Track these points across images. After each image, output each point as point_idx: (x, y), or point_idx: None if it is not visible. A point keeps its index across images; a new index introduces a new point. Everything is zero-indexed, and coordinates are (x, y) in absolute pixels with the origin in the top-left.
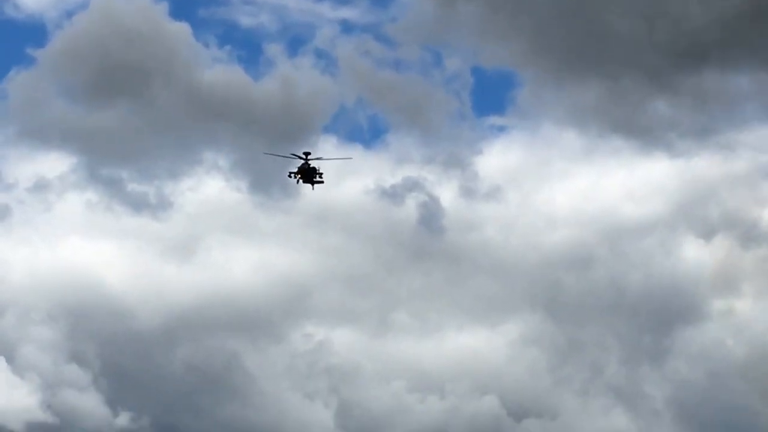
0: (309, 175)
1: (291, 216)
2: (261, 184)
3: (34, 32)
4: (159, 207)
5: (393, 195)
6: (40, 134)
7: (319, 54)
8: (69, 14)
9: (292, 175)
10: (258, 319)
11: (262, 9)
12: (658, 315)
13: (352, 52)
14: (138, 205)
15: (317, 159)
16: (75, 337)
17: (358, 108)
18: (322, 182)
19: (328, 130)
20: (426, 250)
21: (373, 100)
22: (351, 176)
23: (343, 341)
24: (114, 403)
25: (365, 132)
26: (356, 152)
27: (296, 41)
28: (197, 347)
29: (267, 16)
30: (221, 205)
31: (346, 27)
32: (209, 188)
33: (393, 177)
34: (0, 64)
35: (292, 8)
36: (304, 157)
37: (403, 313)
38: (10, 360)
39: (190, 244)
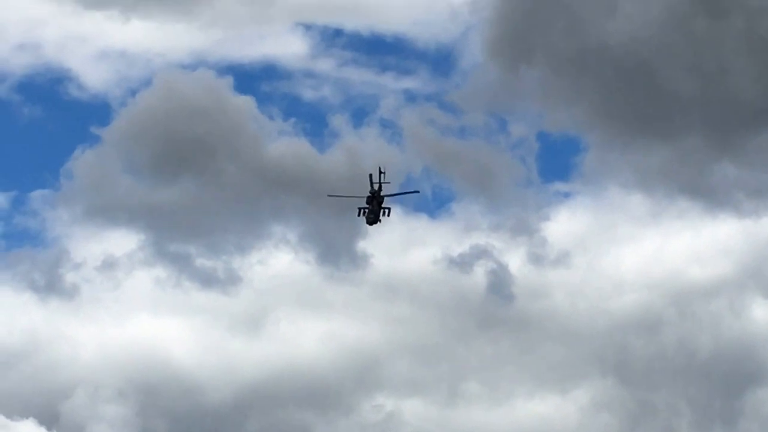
0: (377, 205)
1: (359, 287)
2: (329, 255)
3: (99, 111)
4: (228, 282)
5: (461, 263)
6: (107, 212)
7: (384, 124)
8: (132, 92)
9: (361, 211)
10: (328, 392)
11: (324, 82)
12: (728, 377)
13: (416, 120)
14: (207, 280)
15: (383, 194)
16: (145, 414)
17: (424, 177)
18: (387, 216)
19: (395, 200)
20: (495, 318)
21: (438, 169)
22: (418, 246)
23: (413, 411)
24: None
25: (431, 201)
26: (422, 222)
27: (360, 112)
28: (268, 421)
29: (330, 89)
30: (290, 278)
31: (410, 96)
32: (278, 261)
33: (460, 245)
34: (65, 144)
35: (355, 80)
36: (370, 193)
37: (473, 382)
38: None
39: (259, 318)
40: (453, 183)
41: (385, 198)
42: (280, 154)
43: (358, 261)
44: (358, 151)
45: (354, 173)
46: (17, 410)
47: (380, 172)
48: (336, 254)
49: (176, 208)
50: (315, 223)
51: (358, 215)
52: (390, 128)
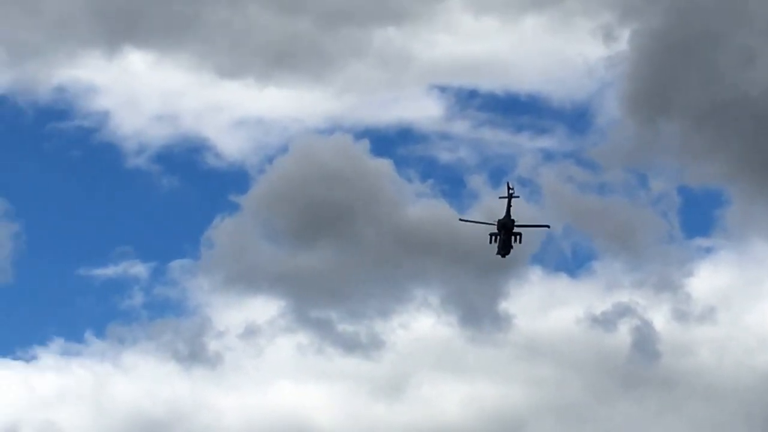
0: (508, 231)
1: (501, 349)
2: (471, 317)
3: (237, 179)
4: (370, 346)
5: (604, 322)
6: (248, 279)
7: (523, 182)
8: (270, 159)
9: (492, 237)
10: None
11: (460, 144)
12: None
13: (555, 178)
14: (349, 345)
15: (514, 223)
16: None
17: (565, 235)
18: (519, 243)
19: (536, 259)
20: (639, 377)
21: (578, 226)
22: (560, 306)
23: None
24: None
25: (571, 260)
26: (563, 281)
27: (498, 172)
28: None
29: (466, 150)
30: (432, 342)
31: (547, 155)
32: (420, 325)
33: (603, 304)
34: (204, 213)
35: (491, 141)
36: (500, 222)
37: None
38: None
39: (400, 382)
40: (593, 240)
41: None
42: (419, 216)
43: (500, 322)
44: (498, 211)
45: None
46: None
47: (509, 188)
48: (478, 316)
49: (316, 274)
50: (456, 285)
51: (490, 242)
52: (528, 186)
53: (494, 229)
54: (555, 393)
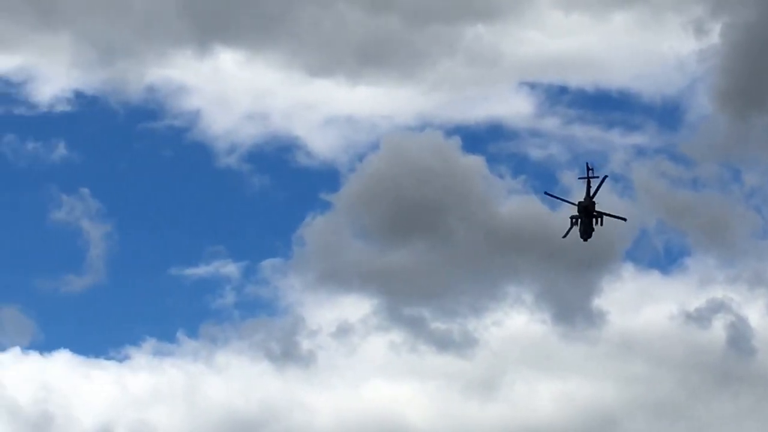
0: (589, 214)
1: (594, 346)
2: (564, 315)
3: (327, 177)
4: (463, 344)
5: (698, 318)
6: (340, 278)
7: (615, 178)
8: (360, 157)
9: (573, 220)
10: None
11: (551, 140)
12: None
13: (647, 174)
14: (442, 343)
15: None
16: None
17: (658, 231)
18: (601, 225)
19: (629, 255)
20: (734, 374)
21: (672, 221)
22: (653, 302)
23: None
24: None
25: (663, 256)
26: (655, 278)
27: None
28: None
29: (556, 147)
30: (525, 339)
31: (638, 151)
32: (513, 322)
33: (697, 300)
34: (296, 212)
35: (581, 138)
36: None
37: None
38: None
39: (493, 380)
40: (687, 236)
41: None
42: (511, 212)
43: (593, 319)
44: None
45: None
46: None
47: (588, 169)
48: (571, 313)
49: (409, 271)
50: (549, 282)
51: (571, 226)
52: (621, 182)
53: (575, 212)
54: (648, 390)
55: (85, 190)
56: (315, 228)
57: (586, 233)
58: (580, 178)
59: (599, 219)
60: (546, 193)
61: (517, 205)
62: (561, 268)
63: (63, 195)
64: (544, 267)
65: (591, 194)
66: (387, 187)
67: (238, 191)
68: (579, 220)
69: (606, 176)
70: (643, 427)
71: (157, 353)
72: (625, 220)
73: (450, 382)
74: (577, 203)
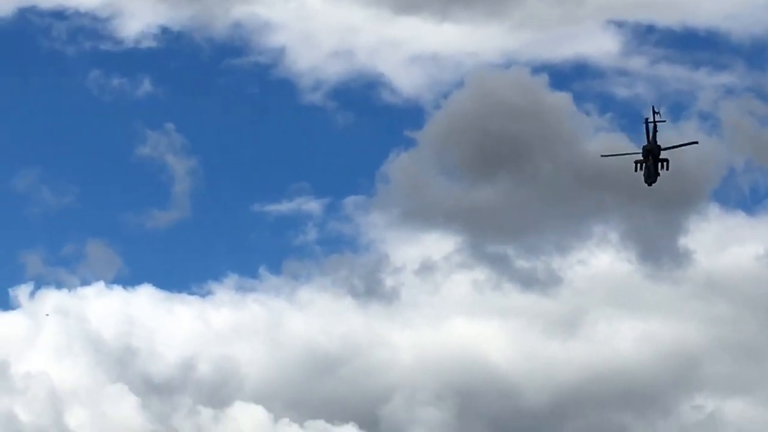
0: (655, 157)
1: (678, 286)
2: (651, 254)
3: (412, 115)
4: (548, 283)
5: None
6: (424, 215)
7: (703, 116)
8: (445, 94)
9: (638, 165)
10: (646, 393)
11: (637, 80)
12: None
13: (735, 112)
14: (526, 281)
15: (660, 146)
16: (463, 417)
17: (746, 170)
18: (666, 170)
19: (716, 195)
20: None
21: (760, 160)
22: (739, 243)
23: (734, 412)
24: None
25: (750, 196)
26: (742, 218)
27: (677, 107)
28: (585, 423)
29: (643, 87)
30: (609, 278)
31: (726, 90)
32: (599, 261)
33: None
34: (380, 149)
35: (668, 77)
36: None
37: None
38: None
39: (576, 319)
40: None
41: (662, 150)
42: (598, 150)
43: (680, 259)
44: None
45: (675, 166)
46: (338, 415)
47: (654, 113)
48: (657, 253)
49: (493, 209)
50: (636, 221)
51: (635, 170)
52: (709, 120)
53: (639, 157)
54: (732, 331)
55: (170, 126)
56: (399, 165)
57: (650, 178)
58: (648, 122)
59: (665, 163)
60: (603, 155)
61: (604, 142)
62: (647, 208)
63: (148, 130)
64: (630, 206)
65: (654, 138)
66: (472, 123)
67: (322, 128)
68: (644, 164)
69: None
70: (726, 369)
71: (240, 289)
72: (696, 143)
73: (532, 321)
74: (640, 149)
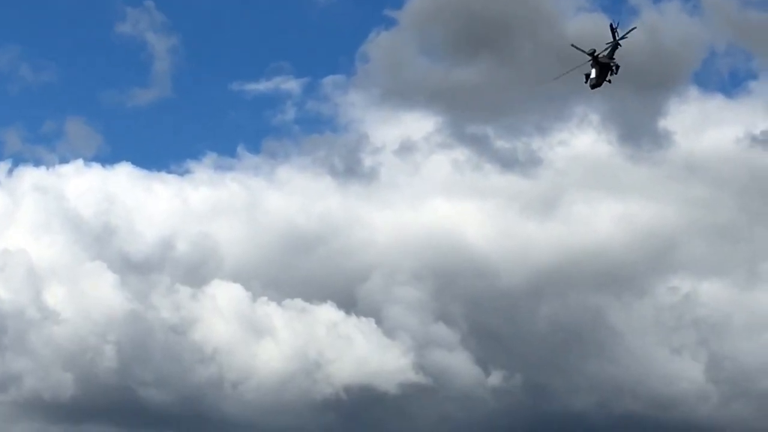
0: (600, 66)
1: (657, 168)
2: (631, 135)
3: None
4: (528, 163)
5: (764, 141)
6: (404, 95)
7: None
8: None
9: (587, 76)
10: (622, 274)
11: None
12: None
13: None
14: (506, 162)
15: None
16: (441, 298)
17: (727, 53)
18: (615, 74)
19: (697, 77)
20: None
21: (741, 43)
22: (718, 125)
23: (710, 293)
24: (484, 363)
25: (730, 79)
26: (722, 100)
27: None
28: (561, 304)
29: None
30: (589, 159)
31: None
32: (579, 142)
33: (764, 122)
34: (359, 28)
35: None
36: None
37: None
38: (379, 322)
39: (554, 200)
40: (755, 58)
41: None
42: (579, 30)
43: (660, 140)
44: (659, 26)
45: (656, 48)
46: (316, 294)
47: (613, 31)
48: (637, 134)
49: (474, 89)
50: (618, 102)
51: (585, 81)
52: (691, 2)
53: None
54: (709, 213)
55: (150, 3)
56: (379, 44)
57: (592, 82)
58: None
59: (614, 68)
60: (572, 45)
61: (584, 22)
62: (628, 89)
63: (128, 8)
64: (611, 87)
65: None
66: (454, 3)
67: (302, 7)
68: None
69: (635, 27)
70: (702, 251)
71: (218, 168)
72: (635, 28)
73: (510, 202)
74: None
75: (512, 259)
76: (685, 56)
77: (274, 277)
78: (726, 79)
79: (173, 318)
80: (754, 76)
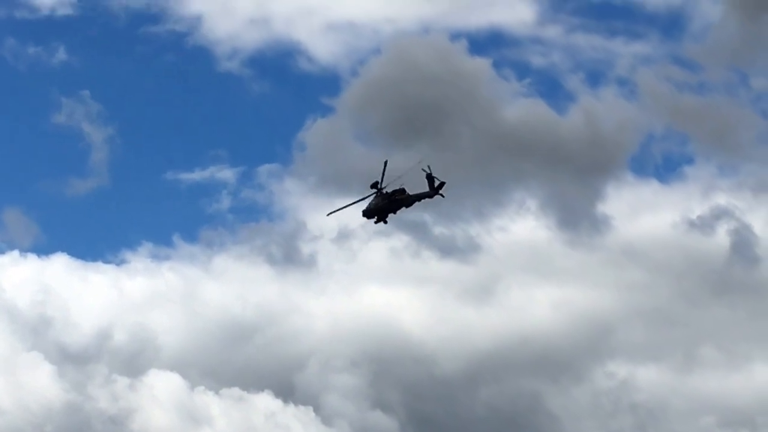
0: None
1: (594, 253)
2: (569, 221)
3: (329, 83)
4: (467, 250)
5: (701, 226)
6: (341, 182)
7: (621, 82)
8: (362, 62)
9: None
10: (559, 359)
11: (553, 48)
12: None
13: (653, 77)
14: (445, 249)
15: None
16: (378, 384)
17: (664, 137)
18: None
19: (634, 162)
20: (733, 282)
21: (677, 126)
22: (656, 209)
23: (648, 378)
24: None
25: (666, 164)
26: (659, 185)
27: (595, 72)
28: (499, 389)
29: (559, 55)
30: (528, 246)
31: (643, 59)
32: (518, 228)
33: (700, 207)
34: (296, 117)
35: (584, 46)
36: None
37: (710, 348)
38: (317, 410)
39: (491, 286)
40: (691, 142)
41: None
42: (517, 116)
43: (598, 225)
44: (597, 111)
45: (593, 133)
46: (253, 383)
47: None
48: (576, 219)
49: (411, 175)
50: (555, 187)
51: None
52: (626, 86)
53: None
54: (647, 298)
55: (86, 93)
56: (316, 132)
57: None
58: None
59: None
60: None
61: (523, 108)
62: (566, 174)
63: (64, 98)
64: (549, 172)
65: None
66: (390, 90)
67: (238, 96)
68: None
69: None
70: (639, 336)
71: (155, 257)
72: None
73: (447, 288)
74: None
75: (450, 346)
76: (621, 141)
77: (211, 366)
78: (665, 164)
79: (111, 408)
80: (689, 161)
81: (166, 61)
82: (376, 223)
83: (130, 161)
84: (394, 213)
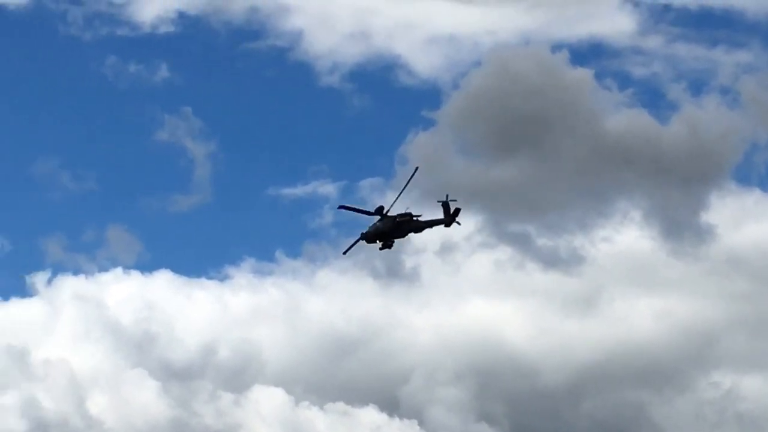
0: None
1: (698, 262)
2: (673, 230)
3: (430, 95)
4: (570, 261)
5: None
6: (443, 195)
7: (723, 90)
8: (463, 74)
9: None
10: (663, 370)
11: (654, 59)
12: None
13: (755, 87)
14: (549, 260)
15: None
16: (482, 397)
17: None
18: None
19: (738, 171)
20: None
21: None
22: (760, 219)
23: (753, 387)
24: None
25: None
26: (762, 194)
27: (697, 82)
28: (603, 401)
29: (660, 65)
30: (632, 256)
31: (745, 68)
32: (622, 238)
33: None
34: (398, 130)
35: (685, 56)
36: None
37: None
38: (422, 423)
39: (593, 297)
40: None
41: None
42: (620, 126)
43: (702, 235)
44: (699, 120)
45: (696, 142)
46: (358, 397)
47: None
48: (680, 229)
49: (514, 188)
50: (658, 197)
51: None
52: (729, 94)
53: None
54: (750, 308)
55: (188, 110)
56: (417, 145)
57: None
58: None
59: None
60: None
61: (625, 118)
62: (669, 183)
63: (166, 115)
64: (652, 182)
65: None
66: (491, 102)
67: (339, 111)
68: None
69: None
70: (744, 345)
71: (257, 273)
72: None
73: (550, 300)
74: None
75: (553, 358)
76: (724, 149)
77: (315, 381)
78: (764, 173)
79: (217, 424)
80: None
81: (267, 76)
82: (381, 249)
83: (233, 177)
84: (402, 237)
